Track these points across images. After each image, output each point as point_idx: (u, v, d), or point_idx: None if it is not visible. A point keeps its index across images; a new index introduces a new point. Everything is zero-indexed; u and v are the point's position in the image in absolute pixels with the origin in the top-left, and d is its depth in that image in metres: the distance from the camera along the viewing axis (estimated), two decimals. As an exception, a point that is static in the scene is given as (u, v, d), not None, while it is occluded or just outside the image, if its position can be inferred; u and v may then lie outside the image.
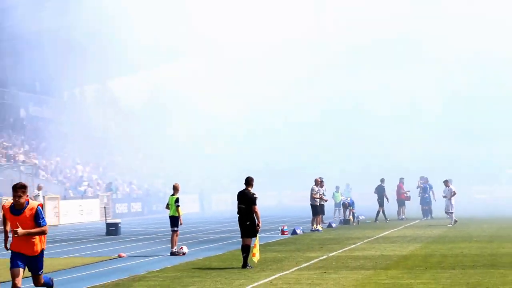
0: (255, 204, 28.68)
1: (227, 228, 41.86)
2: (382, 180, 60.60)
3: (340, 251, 33.58)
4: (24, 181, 65.78)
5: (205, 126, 79.34)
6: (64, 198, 69.84)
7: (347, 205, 55.65)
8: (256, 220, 28.41)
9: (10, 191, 50.27)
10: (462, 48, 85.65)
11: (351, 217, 55.28)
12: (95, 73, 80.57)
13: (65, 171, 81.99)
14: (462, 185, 59.00)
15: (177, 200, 34.92)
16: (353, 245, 36.53)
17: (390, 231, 45.69)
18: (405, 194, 60.21)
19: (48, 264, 31.58)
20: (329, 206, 55.28)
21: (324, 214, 50.43)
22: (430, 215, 56.93)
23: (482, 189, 73.68)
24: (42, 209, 15.73)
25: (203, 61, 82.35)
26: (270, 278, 24.24)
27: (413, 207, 60.48)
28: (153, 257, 33.64)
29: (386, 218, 58.35)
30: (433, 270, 25.72)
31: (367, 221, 55.74)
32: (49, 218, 62.36)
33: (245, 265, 27.93)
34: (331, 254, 32.04)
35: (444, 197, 52.07)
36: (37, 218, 15.12)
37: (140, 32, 69.64)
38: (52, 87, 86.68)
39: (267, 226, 37.83)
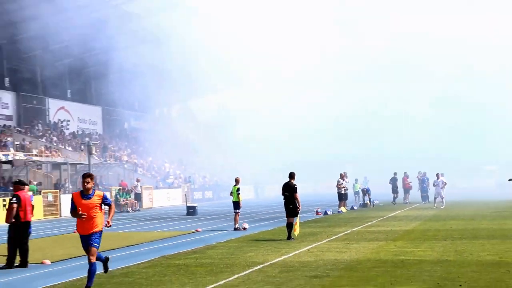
0: (296, 192, 29.45)
1: (276, 210, 41.82)
2: (395, 174, 60.44)
3: (360, 227, 34.14)
4: (126, 176, 66.52)
5: (260, 131, 78.97)
6: (156, 188, 70.06)
7: (365, 192, 55.48)
8: (297, 204, 29.14)
9: (117, 183, 50.60)
10: (454, 64, 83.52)
11: (368, 201, 54.97)
12: (178, 95, 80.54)
13: (156, 168, 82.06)
14: (450, 178, 58.34)
15: (238, 189, 35.70)
16: (370, 223, 37.01)
17: (397, 212, 45.78)
18: (408, 184, 59.84)
19: (144, 236, 32.05)
20: (351, 194, 54.83)
21: (347, 200, 50.35)
22: (427, 200, 56.50)
23: (466, 180, 73.23)
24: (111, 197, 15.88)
25: (258, 84, 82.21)
26: (308, 247, 25.02)
27: (414, 194, 59.79)
28: (221, 232, 34.17)
29: (401, 201, 58.18)
30: (429, 241, 26.39)
31: (380, 204, 55.47)
32: (145, 202, 62.88)
33: (289, 237, 28.61)
34: (353, 229, 32.69)
35: (434, 186, 51.50)
36: (105, 200, 15.34)
37: (212, 63, 69.60)
38: (147, 106, 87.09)
39: (305, 209, 37.68)
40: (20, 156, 61.72)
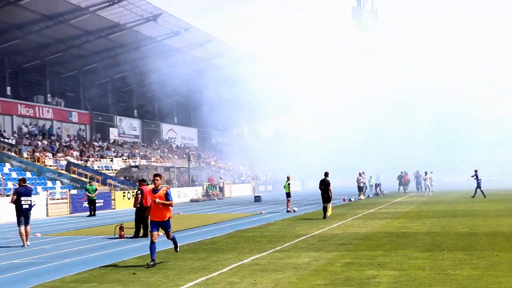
0: (329, 186, 29.24)
1: (315, 198, 41.32)
2: (402, 172, 59.67)
3: (373, 209, 33.69)
4: (213, 175, 66.51)
5: (303, 142, 78.37)
6: (233, 183, 69.80)
7: (377, 185, 54.95)
8: (330, 194, 28.85)
9: (207, 179, 49.82)
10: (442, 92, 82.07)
11: (379, 191, 54.28)
12: (248, 120, 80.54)
13: (233, 169, 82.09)
14: (436, 175, 57.62)
15: (289, 184, 35.29)
16: (380, 206, 36.46)
17: (400, 199, 45.14)
18: (408, 179, 59.29)
19: (225, 216, 32.02)
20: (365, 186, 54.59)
21: (364, 190, 49.81)
22: (420, 190, 55.69)
23: (447, 176, 71.98)
24: (170, 191, 15.33)
25: (301, 112, 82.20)
26: (337, 224, 24.83)
27: (411, 186, 59.04)
28: (277, 213, 33.58)
29: (401, 191, 57.21)
30: (422, 218, 26.06)
31: (388, 194, 54.40)
32: (226, 193, 62.73)
33: (324, 217, 28.25)
34: (369, 211, 32.29)
35: (424, 180, 51.24)
36: (167, 195, 14.47)
37: (270, 98, 69.74)
38: (228, 127, 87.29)
39: (336, 197, 37.17)
40: (143, 162, 62.32)
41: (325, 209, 28.59)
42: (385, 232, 20.43)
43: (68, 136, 63.32)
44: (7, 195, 34.94)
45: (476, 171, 44.00)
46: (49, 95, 62.57)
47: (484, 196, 41.82)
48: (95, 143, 64.60)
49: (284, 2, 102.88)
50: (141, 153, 67.03)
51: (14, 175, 43.18)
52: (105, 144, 65.96)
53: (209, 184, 61.56)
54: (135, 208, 22.94)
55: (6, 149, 49.85)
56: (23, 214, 20.42)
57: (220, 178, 66.13)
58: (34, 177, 45.36)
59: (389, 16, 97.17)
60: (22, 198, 20.18)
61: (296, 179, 67.73)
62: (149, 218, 15.07)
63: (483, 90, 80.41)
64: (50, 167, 49.64)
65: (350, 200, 45.16)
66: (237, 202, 50.15)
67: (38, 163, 49.07)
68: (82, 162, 55.11)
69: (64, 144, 59.60)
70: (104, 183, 49.97)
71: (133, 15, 54.32)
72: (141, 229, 22.37)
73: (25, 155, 50.04)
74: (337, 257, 14.67)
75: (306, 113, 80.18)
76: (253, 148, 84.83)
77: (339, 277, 11.73)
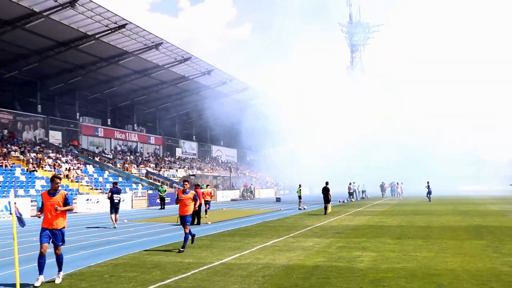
0: (329, 191, 29.13)
1: (319, 200, 40.80)
2: (383, 183, 58.56)
3: (360, 208, 33.04)
4: (247, 182, 66.06)
5: (313, 158, 77.43)
6: (261, 188, 69.22)
7: (363, 191, 54.03)
8: (329, 197, 28.72)
9: (243, 185, 48.74)
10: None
11: (364, 196, 53.44)
12: (273, 143, 79.83)
13: (261, 178, 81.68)
14: (406, 184, 56.29)
15: (300, 189, 34.80)
16: (365, 207, 35.65)
17: (380, 201, 44.39)
18: (385, 187, 58.12)
19: (254, 212, 31.78)
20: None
21: (353, 195, 48.90)
22: (394, 196, 54.42)
23: (413, 186, 69.29)
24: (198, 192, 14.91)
25: (311, 138, 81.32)
26: (334, 218, 24.62)
27: (388, 193, 58.07)
28: (292, 210, 33.09)
29: (381, 196, 55.88)
30: (394, 216, 25.67)
31: (371, 198, 53.53)
32: (256, 195, 61.81)
33: (325, 213, 27.83)
34: (357, 210, 31.71)
35: (396, 188, 50.46)
36: (194, 198, 13.26)
37: (288, 127, 69.52)
38: (258, 148, 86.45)
39: (333, 199, 36.56)
40: (198, 172, 62.31)
41: (325, 208, 28.23)
42: (368, 225, 20.09)
43: (148, 153, 63.82)
44: (106, 193, 35.32)
45: (428, 182, 43.77)
46: (135, 124, 63.27)
47: (430, 201, 41.47)
48: (166, 158, 64.97)
49: (300, 65, 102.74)
50: (197, 166, 67.11)
51: (110, 179, 43.51)
52: (172, 159, 66.30)
53: (244, 188, 61.36)
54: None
55: (106, 161, 50.44)
56: (114, 206, 21.29)
57: (252, 184, 65.85)
58: (123, 181, 45.68)
59: (373, 73, 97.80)
60: (114, 195, 21.44)
61: (305, 185, 67.21)
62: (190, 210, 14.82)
63: (439, 126, 79.54)
64: (134, 174, 49.98)
65: (344, 202, 44.32)
66: (263, 202, 49.93)
67: (127, 171, 49.46)
68: (156, 171, 55.47)
69: (145, 158, 60.02)
70: (171, 186, 50.10)
71: (194, 70, 54.80)
72: (195, 219, 22.25)
73: (118, 165, 50.51)
74: (333, 242, 14.53)
75: (312, 139, 79.30)
76: (275, 163, 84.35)
77: (334, 256, 11.72)
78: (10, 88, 47.05)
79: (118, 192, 21.66)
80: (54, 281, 9.05)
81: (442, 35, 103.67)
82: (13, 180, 34.60)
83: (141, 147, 63.63)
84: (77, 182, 40.15)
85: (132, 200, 40.14)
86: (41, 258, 8.96)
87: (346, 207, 35.59)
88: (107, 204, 23.99)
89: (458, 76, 79.79)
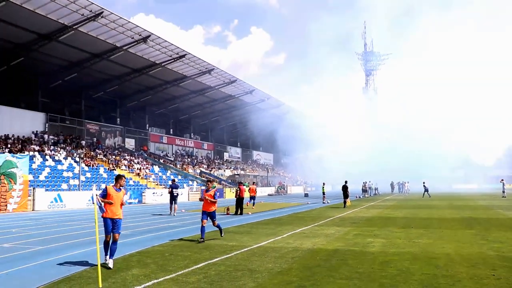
0: (347, 188, 28.90)
1: (340, 196, 40.09)
2: (392, 182, 57.62)
3: (373, 203, 32.37)
4: (281, 180, 65.54)
5: (333, 163, 76.18)
6: (293, 185, 68.84)
7: (376, 189, 52.95)
8: (348, 193, 28.45)
9: (277, 183, 47.92)
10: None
11: (376, 193, 52.41)
12: (304, 149, 78.67)
13: (293, 178, 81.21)
14: (412, 183, 55.00)
15: (324, 187, 34.36)
16: (377, 201, 34.99)
17: (389, 197, 43.29)
18: (394, 186, 56.91)
19: (287, 204, 31.37)
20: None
21: (367, 192, 47.98)
22: (401, 193, 53.31)
23: (418, 184, 67.30)
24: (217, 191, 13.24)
25: (334, 144, 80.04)
26: (352, 211, 24.24)
27: (396, 190, 56.83)
28: (317, 203, 32.69)
29: (391, 193, 54.49)
30: (400, 209, 25.12)
31: (382, 194, 52.47)
32: (288, 191, 61.40)
33: (344, 207, 27.48)
34: (370, 204, 31.16)
35: (404, 186, 49.44)
36: (215, 195, 12.09)
37: (317, 136, 68.79)
38: (291, 152, 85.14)
39: (351, 195, 35.99)
40: (242, 172, 62.45)
41: (345, 202, 27.89)
42: (379, 216, 19.66)
43: (201, 156, 64.25)
44: (167, 188, 35.75)
45: (424, 182, 43.08)
46: (192, 133, 63.90)
47: (429, 196, 40.69)
48: (216, 161, 65.31)
49: (325, 85, 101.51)
50: (240, 167, 67.19)
51: (172, 177, 44.07)
52: (221, 161, 66.57)
53: (278, 186, 61.18)
54: (236, 198, 23.03)
55: (168, 162, 51.11)
56: (173, 198, 22.24)
57: (285, 182, 65.68)
58: (182, 178, 46.16)
59: (384, 92, 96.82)
60: (174, 190, 21.99)
61: (328, 183, 66.61)
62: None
63: (434, 131, 76.62)
64: (191, 173, 50.45)
65: (359, 197, 43.70)
66: (294, 197, 49.74)
67: (185, 171, 50.01)
68: (208, 171, 55.86)
69: (199, 161, 60.52)
70: (220, 183, 50.44)
71: (239, 90, 54.88)
72: (239, 210, 22.33)
73: (178, 166, 51.12)
74: (350, 230, 14.28)
75: (335, 146, 78.13)
76: (304, 165, 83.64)
77: (350, 242, 11.52)
78: (97, 105, 48.27)
79: (176, 187, 22.74)
80: (107, 265, 8.31)
81: (439, 56, 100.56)
82: (98, 176, 35.55)
83: (196, 152, 64.21)
84: (145, 179, 40.86)
85: (188, 194, 40.59)
86: (114, 245, 8.48)
87: (361, 201, 35.05)
88: (168, 197, 24.71)
89: (451, 79, 77.32)
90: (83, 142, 42.93)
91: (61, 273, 7.78)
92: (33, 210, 25.76)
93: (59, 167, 33.85)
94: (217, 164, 63.22)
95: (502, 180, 40.86)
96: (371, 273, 7.74)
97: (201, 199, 12.28)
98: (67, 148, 38.85)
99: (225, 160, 69.03)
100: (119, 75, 42.71)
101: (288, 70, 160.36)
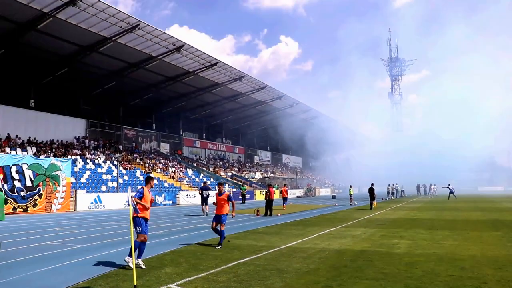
0: (374, 191, 28.36)
1: (366, 198, 39.50)
2: (418, 185, 56.50)
3: (399, 205, 31.79)
4: (309, 183, 65.05)
5: (360, 166, 75.30)
6: (320, 187, 68.13)
7: (402, 191, 51.74)
8: (374, 195, 27.95)
9: (306, 185, 47.54)
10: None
11: (403, 195, 51.26)
12: (330, 152, 77.42)
13: (321, 180, 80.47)
14: (437, 186, 53.70)
15: (350, 189, 33.98)
16: (403, 203, 34.16)
17: (415, 199, 42.30)
18: (420, 188, 55.69)
19: (314, 206, 31.01)
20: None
21: (394, 194, 47.00)
22: (427, 195, 52.16)
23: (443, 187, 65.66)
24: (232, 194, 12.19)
25: (360, 148, 78.89)
26: (378, 212, 23.83)
27: (421, 192, 55.50)
28: (344, 205, 32.37)
29: (417, 195, 53.47)
30: (426, 211, 24.48)
31: (408, 196, 51.34)
32: (317, 193, 60.85)
33: (370, 208, 27.13)
34: (396, 206, 30.61)
35: (429, 189, 48.37)
36: (230, 198, 11.13)
37: (344, 140, 68.16)
38: (319, 156, 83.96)
39: (378, 197, 35.32)
40: (271, 175, 62.40)
41: (371, 204, 27.52)
42: (405, 218, 19.31)
43: (233, 160, 64.65)
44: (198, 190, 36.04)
45: (449, 184, 42.51)
46: (224, 138, 64.40)
47: (455, 198, 39.97)
48: (246, 164, 65.53)
49: (352, 90, 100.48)
50: (270, 170, 67.14)
51: (204, 179, 44.42)
52: (251, 164, 66.74)
53: (307, 188, 60.83)
54: (265, 200, 22.99)
55: (201, 166, 51.63)
56: (204, 200, 22.72)
57: (313, 185, 65.21)
58: (214, 181, 46.48)
59: (409, 97, 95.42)
60: (204, 191, 22.57)
61: (355, 186, 65.61)
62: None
63: (460, 135, 74.60)
64: (222, 176, 50.78)
65: (385, 199, 42.90)
66: (322, 198, 49.31)
67: (217, 174, 50.36)
68: (239, 174, 56.08)
69: (230, 164, 60.86)
70: (250, 185, 50.52)
71: (268, 96, 54.81)
72: (268, 211, 22.29)
73: (210, 169, 51.53)
74: (376, 231, 14.08)
75: (361, 150, 77.19)
76: (332, 168, 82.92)
77: (377, 243, 11.36)
78: (134, 112, 49.20)
79: (207, 189, 22.92)
80: (139, 265, 8.14)
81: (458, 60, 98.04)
82: (135, 179, 36.24)
83: (228, 155, 64.62)
84: (179, 181, 41.39)
85: (220, 195, 40.79)
86: (143, 245, 8.31)
87: (387, 203, 34.46)
88: (199, 198, 25.11)
89: (474, 82, 75.63)
90: (121, 147, 43.94)
91: (99, 270, 7.98)
92: (75, 210, 26.57)
93: (99, 170, 34.77)
94: (247, 167, 63.38)
95: None
96: (397, 274, 7.60)
97: (214, 203, 11.62)
98: (106, 152, 39.88)
99: (255, 163, 69.13)
100: (155, 83, 43.46)
101: (315, 76, 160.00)
